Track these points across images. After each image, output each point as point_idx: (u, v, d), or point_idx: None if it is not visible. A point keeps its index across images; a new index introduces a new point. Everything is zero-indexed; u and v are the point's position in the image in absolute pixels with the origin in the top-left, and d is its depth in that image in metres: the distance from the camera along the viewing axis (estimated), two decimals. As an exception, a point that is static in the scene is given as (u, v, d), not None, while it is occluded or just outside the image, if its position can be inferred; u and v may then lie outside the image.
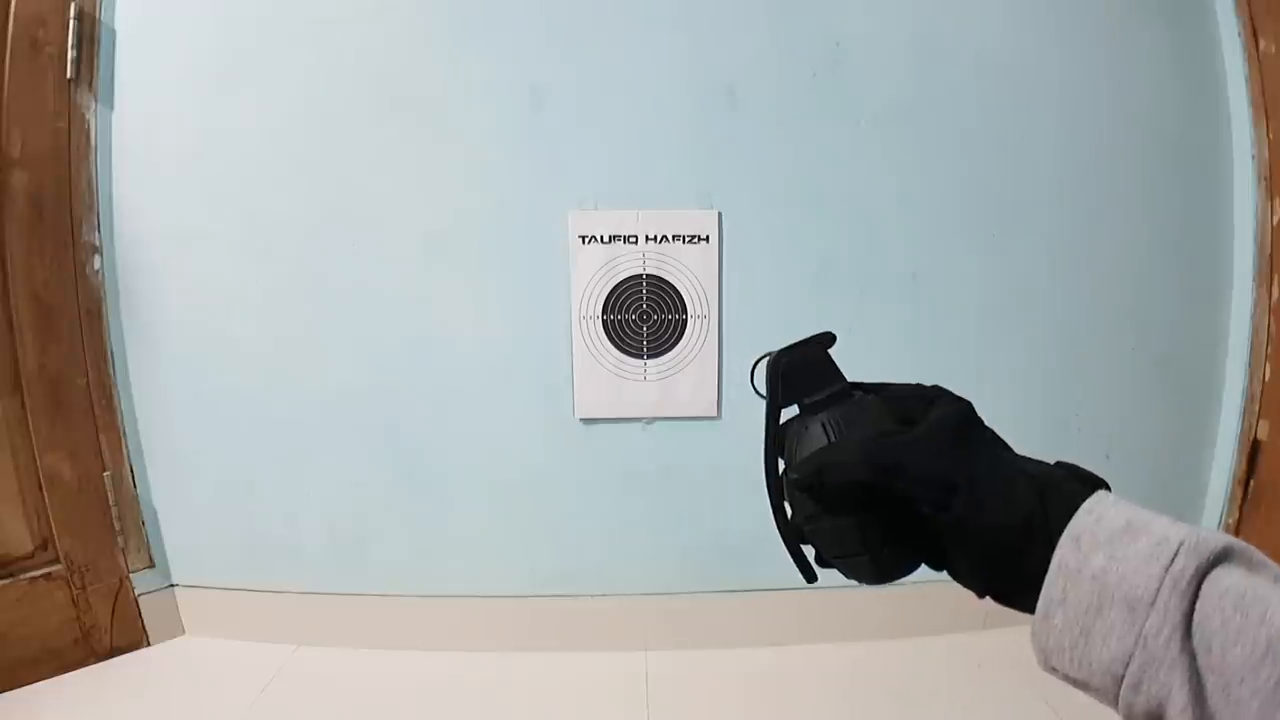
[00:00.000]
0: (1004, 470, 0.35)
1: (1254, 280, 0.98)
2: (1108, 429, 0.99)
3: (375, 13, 0.89)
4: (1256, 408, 0.98)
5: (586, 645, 0.96)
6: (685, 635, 0.97)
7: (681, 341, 0.94)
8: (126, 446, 0.95)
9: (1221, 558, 0.30)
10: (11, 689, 0.88)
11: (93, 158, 0.90)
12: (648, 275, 0.93)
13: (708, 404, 0.95)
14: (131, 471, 0.96)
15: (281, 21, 0.89)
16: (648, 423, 0.95)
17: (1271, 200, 0.96)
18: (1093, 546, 0.32)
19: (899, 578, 0.37)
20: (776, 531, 0.39)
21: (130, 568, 0.96)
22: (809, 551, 0.39)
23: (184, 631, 0.99)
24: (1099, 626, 0.31)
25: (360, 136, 0.91)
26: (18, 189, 0.87)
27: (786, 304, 0.93)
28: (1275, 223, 0.96)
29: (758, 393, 0.38)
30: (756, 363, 0.39)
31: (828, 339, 0.38)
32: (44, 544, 0.92)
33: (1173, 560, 0.30)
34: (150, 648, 0.97)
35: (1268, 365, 0.97)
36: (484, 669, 0.93)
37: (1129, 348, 0.98)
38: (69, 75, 0.88)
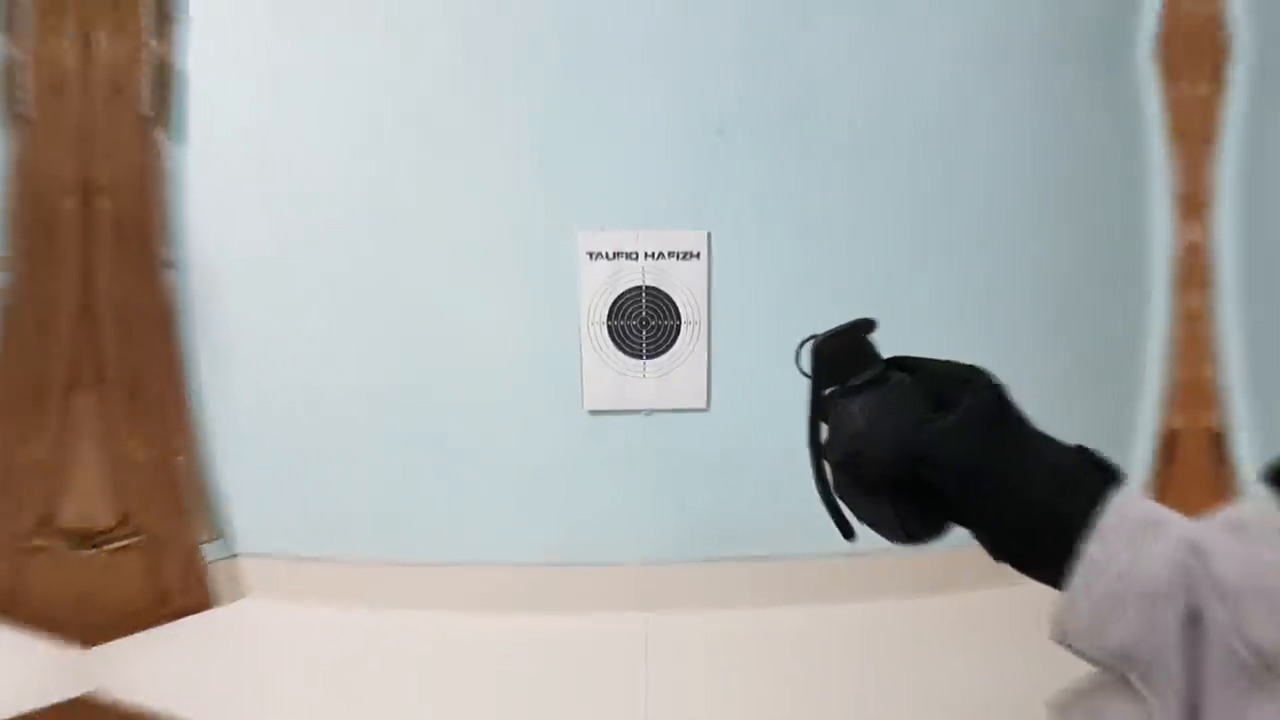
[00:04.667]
0: (1027, 461, 0.39)
1: (1170, 291, 1.13)
2: (1042, 424, 1.13)
3: (413, 54, 1.03)
4: (1171, 403, 1.13)
5: (593, 607, 1.10)
6: (680, 599, 1.11)
7: (676, 344, 1.09)
8: (197, 435, 1.09)
9: None
10: (98, 644, 1.02)
11: (167, 185, 1.04)
12: (647, 287, 1.07)
13: (698, 397, 1.10)
14: (201, 457, 1.10)
15: (327, 66, 1.03)
16: (647, 414, 1.10)
17: (1184, 222, 1.11)
18: (1117, 544, 0.35)
19: (929, 543, 0.41)
20: (817, 494, 0.42)
21: (199, 539, 1.11)
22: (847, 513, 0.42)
23: (246, 594, 1.14)
24: (1117, 615, 0.34)
25: (403, 166, 1.05)
26: (104, 213, 1.01)
27: (767, 312, 1.08)
28: (1187, 242, 1.11)
29: (802, 372, 0.40)
30: (802, 344, 0.40)
31: (867, 325, 0.40)
32: (124, 519, 1.06)
33: (1185, 560, 0.34)
34: (217, 609, 1.12)
35: (1181, 365, 1.12)
36: (505, 627, 1.07)
37: (1060, 351, 1.13)
38: (146, 114, 1.02)
